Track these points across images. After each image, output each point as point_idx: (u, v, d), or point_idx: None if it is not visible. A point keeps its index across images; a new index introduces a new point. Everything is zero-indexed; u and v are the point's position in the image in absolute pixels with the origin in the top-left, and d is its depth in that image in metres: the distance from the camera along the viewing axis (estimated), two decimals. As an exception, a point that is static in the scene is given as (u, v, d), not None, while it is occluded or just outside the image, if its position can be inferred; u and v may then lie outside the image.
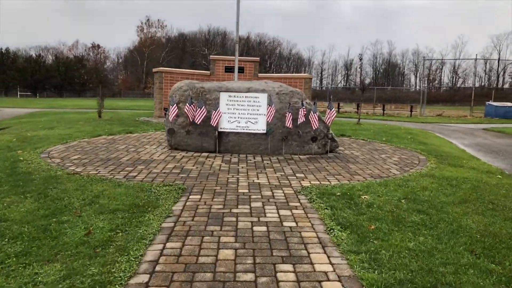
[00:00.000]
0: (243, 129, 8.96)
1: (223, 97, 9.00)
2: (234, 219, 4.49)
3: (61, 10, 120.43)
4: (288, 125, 8.60)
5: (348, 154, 9.15)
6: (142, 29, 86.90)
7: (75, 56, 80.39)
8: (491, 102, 28.04)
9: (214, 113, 8.53)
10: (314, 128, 8.70)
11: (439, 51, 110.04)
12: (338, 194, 5.46)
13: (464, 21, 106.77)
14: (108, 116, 18.28)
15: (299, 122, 8.69)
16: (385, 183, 6.21)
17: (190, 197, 5.36)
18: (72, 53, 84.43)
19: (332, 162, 8.18)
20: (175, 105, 8.75)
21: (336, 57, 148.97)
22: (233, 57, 16.70)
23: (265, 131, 8.91)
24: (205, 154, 8.80)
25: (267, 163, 7.90)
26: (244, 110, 8.99)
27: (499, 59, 70.93)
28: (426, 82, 43.90)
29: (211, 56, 19.42)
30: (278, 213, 4.72)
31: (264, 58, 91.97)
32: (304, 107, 8.72)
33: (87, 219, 4.41)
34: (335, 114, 8.83)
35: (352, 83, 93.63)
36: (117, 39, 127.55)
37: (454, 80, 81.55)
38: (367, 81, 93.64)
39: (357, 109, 30.14)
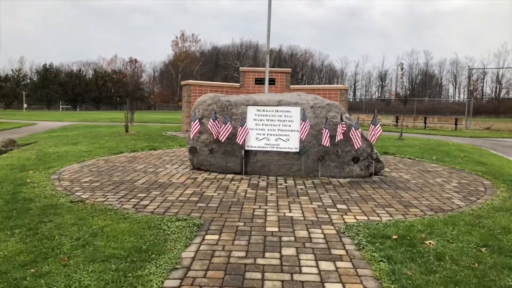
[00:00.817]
0: (273, 147, 7.89)
1: (251, 111, 7.98)
2: (259, 275, 3.39)
3: (104, 27, 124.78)
4: (325, 143, 7.45)
5: (396, 178, 7.87)
6: (177, 43, 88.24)
7: (112, 70, 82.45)
8: (546, 114, 25.65)
9: (241, 129, 7.52)
10: (357, 147, 7.50)
11: (480, 60, 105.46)
12: (394, 237, 4.26)
13: (507, 25, 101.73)
14: (135, 130, 17.71)
15: (337, 140, 7.54)
16: (452, 220, 4.93)
17: (206, 237, 4.32)
18: (111, 67, 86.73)
19: (378, 188, 6.95)
20: (197, 120, 7.80)
21: (370, 67, 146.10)
22: (264, 68, 15.71)
23: (298, 150, 7.81)
24: (230, 175, 7.78)
25: (301, 189, 6.77)
26: (274, 126, 7.93)
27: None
28: (467, 93, 41.21)
29: (241, 68, 18.58)
30: (317, 266, 3.58)
31: (296, 70, 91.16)
32: (343, 122, 7.56)
33: (73, 271, 3.44)
34: (381, 131, 7.60)
35: (387, 94, 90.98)
36: (154, 54, 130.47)
37: (497, 90, 77.36)
38: (403, 92, 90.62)
39: (396, 121, 28.45)
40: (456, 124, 25.95)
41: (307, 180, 7.52)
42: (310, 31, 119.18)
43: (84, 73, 79.72)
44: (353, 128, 7.55)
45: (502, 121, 35.98)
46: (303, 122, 7.50)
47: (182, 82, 17.88)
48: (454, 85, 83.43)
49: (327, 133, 7.45)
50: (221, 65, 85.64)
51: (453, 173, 8.45)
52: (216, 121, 7.67)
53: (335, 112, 8.03)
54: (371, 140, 7.70)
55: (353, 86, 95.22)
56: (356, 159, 7.70)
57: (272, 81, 17.32)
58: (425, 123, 27.41)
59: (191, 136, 7.82)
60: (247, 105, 8.03)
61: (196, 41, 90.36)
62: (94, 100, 75.54)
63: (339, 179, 7.66)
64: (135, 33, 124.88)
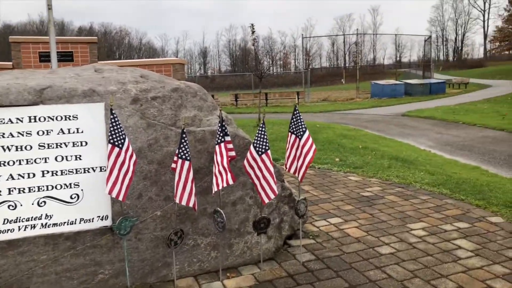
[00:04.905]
0: (31, 227, 2.66)
1: None
2: None
3: None
4: (179, 196, 2.66)
5: (344, 242, 3.61)
6: None
7: None
8: (377, 81, 25.93)
9: None
10: (266, 200, 2.93)
11: (291, 35, 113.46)
12: None
13: (310, 3, 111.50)
14: None
15: (218, 186, 2.81)
16: None
17: None
18: None
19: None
20: None
21: (191, 45, 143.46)
22: (47, 37, 9.62)
23: (107, 224, 2.79)
24: None
25: None
26: (29, 165, 2.68)
27: (344, 40, 74.37)
28: (305, 65, 41.16)
29: (11, 37, 11.64)
30: None
31: (112, 49, 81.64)
32: (226, 133, 2.88)
33: None
34: (314, 148, 3.20)
35: (209, 70, 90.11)
36: None
37: (307, 61, 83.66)
38: (224, 68, 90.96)
39: (236, 100, 25.10)
40: (298, 98, 24.04)
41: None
42: (123, 7, 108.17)
43: None
44: (251, 148, 2.94)
45: (335, 89, 36.67)
46: (113, 147, 2.51)
47: None
48: (271, 59, 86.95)
49: (186, 167, 2.66)
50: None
51: (423, 203, 4.68)
52: None
53: (197, 107, 3.29)
54: (298, 173, 3.23)
55: (186, 65, 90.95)
56: (262, 224, 3.11)
57: (68, 56, 11.29)
58: (266, 99, 24.81)
59: None
60: None
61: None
62: None
63: (223, 280, 2.99)
64: None
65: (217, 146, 2.83)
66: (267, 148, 2.97)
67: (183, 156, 2.73)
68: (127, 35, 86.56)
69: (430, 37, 32.47)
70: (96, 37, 12.73)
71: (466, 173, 5.93)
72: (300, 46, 77.77)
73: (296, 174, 3.30)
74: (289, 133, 3.34)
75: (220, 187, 2.80)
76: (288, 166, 3.34)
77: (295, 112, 3.32)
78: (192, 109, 3.33)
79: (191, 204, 2.75)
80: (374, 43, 78.56)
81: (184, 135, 2.77)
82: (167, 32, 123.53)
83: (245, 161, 3.04)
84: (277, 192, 2.95)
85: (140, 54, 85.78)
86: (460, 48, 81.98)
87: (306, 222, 4.03)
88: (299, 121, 3.28)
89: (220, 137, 2.84)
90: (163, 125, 3.10)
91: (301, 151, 3.23)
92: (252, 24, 11.76)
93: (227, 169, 2.77)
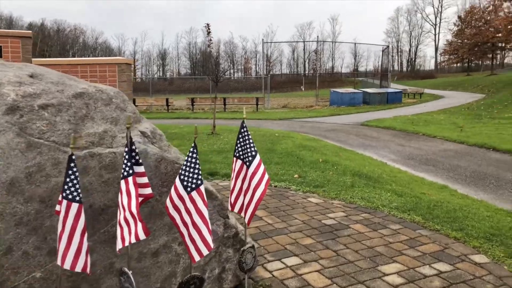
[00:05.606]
0: None
1: None
2: None
3: None
4: (61, 256, 1.77)
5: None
6: None
7: None
8: (336, 89, 25.73)
9: None
10: (197, 258, 2.08)
11: (252, 40, 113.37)
12: None
13: (272, 9, 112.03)
14: None
15: (122, 242, 1.94)
16: None
17: None
18: None
19: None
20: None
21: (150, 46, 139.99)
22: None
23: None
24: None
25: None
26: None
27: (304, 47, 74.96)
28: (266, 71, 40.48)
29: None
30: None
31: (65, 47, 77.99)
32: (131, 159, 2.02)
33: None
34: (267, 179, 2.41)
35: (168, 73, 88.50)
36: None
37: (267, 67, 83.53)
38: (184, 71, 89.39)
39: (192, 104, 24.02)
40: (257, 104, 23.35)
41: None
42: (79, 4, 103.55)
43: None
44: (177, 181, 2.10)
45: (295, 96, 36.38)
46: None
47: None
48: (232, 64, 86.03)
49: (76, 211, 1.77)
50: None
51: (395, 235, 3.99)
52: None
53: (109, 120, 2.40)
54: (245, 213, 2.42)
55: (133, 66, 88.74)
56: (193, 284, 2.25)
57: (-5, 51, 9.92)
58: (224, 104, 23.91)
59: None
60: None
61: None
62: None
63: None
64: None
65: (122, 182, 1.96)
66: (199, 182, 2.14)
67: (70, 196, 1.84)
68: (82, 33, 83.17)
69: (387, 47, 32.96)
70: (31, 31, 11.35)
71: (436, 194, 5.37)
72: (261, 51, 77.55)
73: (242, 214, 2.49)
74: (234, 158, 2.52)
75: (127, 243, 1.93)
76: (232, 203, 2.52)
77: (242, 130, 2.50)
78: (102, 122, 2.44)
79: (78, 268, 1.86)
80: (333, 51, 79.84)
81: (72, 164, 1.87)
82: (125, 32, 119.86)
83: (168, 201, 2.18)
84: (212, 246, 2.10)
85: (96, 53, 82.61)
86: (413, 59, 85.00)
87: (258, 264, 3.23)
88: (247, 141, 2.47)
89: (127, 168, 1.97)
90: (54, 145, 2.19)
91: (249, 183, 2.42)
92: (207, 24, 10.89)
93: (136, 217, 1.90)
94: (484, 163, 7.78)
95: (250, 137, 2.48)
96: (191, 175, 2.18)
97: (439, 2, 78.09)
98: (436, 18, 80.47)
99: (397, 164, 7.93)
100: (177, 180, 2.20)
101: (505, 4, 29.31)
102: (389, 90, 27.32)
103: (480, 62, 66.19)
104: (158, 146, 2.70)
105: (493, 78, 38.77)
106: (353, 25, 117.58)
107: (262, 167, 2.47)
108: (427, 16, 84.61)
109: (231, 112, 22.64)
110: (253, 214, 2.43)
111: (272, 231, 4.08)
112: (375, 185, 5.73)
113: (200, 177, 2.19)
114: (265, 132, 11.61)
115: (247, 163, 2.45)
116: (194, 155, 2.20)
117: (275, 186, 5.77)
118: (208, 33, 10.75)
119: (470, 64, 66.83)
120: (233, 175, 2.51)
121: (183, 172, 2.20)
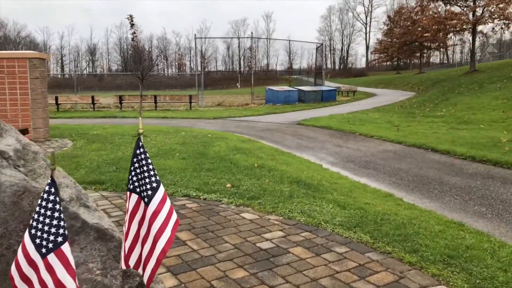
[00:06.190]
0: None
1: None
2: None
3: None
4: None
5: None
6: None
7: None
8: (272, 87, 25.39)
9: None
10: None
11: (186, 36, 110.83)
12: None
13: (204, 6, 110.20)
14: None
15: None
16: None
17: None
18: None
19: None
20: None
21: (78, 41, 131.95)
22: None
23: None
24: None
25: None
26: None
27: (239, 44, 74.64)
28: (201, 67, 39.08)
29: None
30: None
31: (-17, 41, 71.40)
32: None
33: None
34: (176, 221, 1.66)
35: (98, 68, 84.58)
36: None
37: (202, 64, 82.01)
38: (115, 67, 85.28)
39: (120, 102, 22.37)
40: (191, 102, 22.28)
41: None
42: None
43: None
44: (25, 238, 1.29)
45: (218, 94, 35.60)
46: None
47: None
48: (165, 60, 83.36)
49: None
50: None
51: (341, 261, 3.41)
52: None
53: None
54: (144, 270, 1.68)
55: (60, 61, 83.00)
56: None
57: None
58: (155, 102, 22.54)
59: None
60: None
61: None
62: None
63: None
64: None
65: None
66: (59, 239, 1.35)
67: None
68: (3, 26, 76.17)
69: (321, 45, 33.40)
70: None
71: (381, 204, 4.94)
72: (195, 47, 75.85)
73: (140, 271, 1.72)
74: (128, 193, 1.74)
75: None
76: (125, 255, 1.75)
77: (137, 152, 1.72)
78: None
79: None
80: (268, 49, 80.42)
81: None
82: (50, 25, 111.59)
83: (14, 268, 1.37)
84: None
85: (19, 48, 76.05)
86: (345, 58, 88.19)
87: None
88: (145, 168, 1.70)
89: None
90: None
91: (149, 228, 1.66)
92: (130, 15, 9.86)
93: None
94: (425, 165, 7.62)
95: (149, 161, 1.71)
96: (46, 228, 1.38)
97: (369, 2, 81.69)
98: (366, 17, 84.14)
99: (336, 168, 7.54)
100: (26, 237, 1.39)
101: (432, 5, 30.92)
102: (324, 88, 27.61)
103: (408, 60, 70.03)
104: (24, 172, 1.88)
105: (422, 76, 41.05)
106: (287, 23, 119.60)
107: (167, 204, 1.71)
108: (358, 15, 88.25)
109: (162, 110, 21.38)
110: (154, 272, 1.68)
111: (197, 260, 3.34)
112: (315, 195, 5.20)
113: (62, 230, 1.40)
114: (197, 132, 10.77)
115: (146, 199, 1.68)
116: (52, 197, 1.40)
117: (205, 199, 5.03)
118: (132, 25, 9.68)
119: (399, 62, 70.52)
120: (127, 216, 1.74)
121: (34, 224, 1.39)
